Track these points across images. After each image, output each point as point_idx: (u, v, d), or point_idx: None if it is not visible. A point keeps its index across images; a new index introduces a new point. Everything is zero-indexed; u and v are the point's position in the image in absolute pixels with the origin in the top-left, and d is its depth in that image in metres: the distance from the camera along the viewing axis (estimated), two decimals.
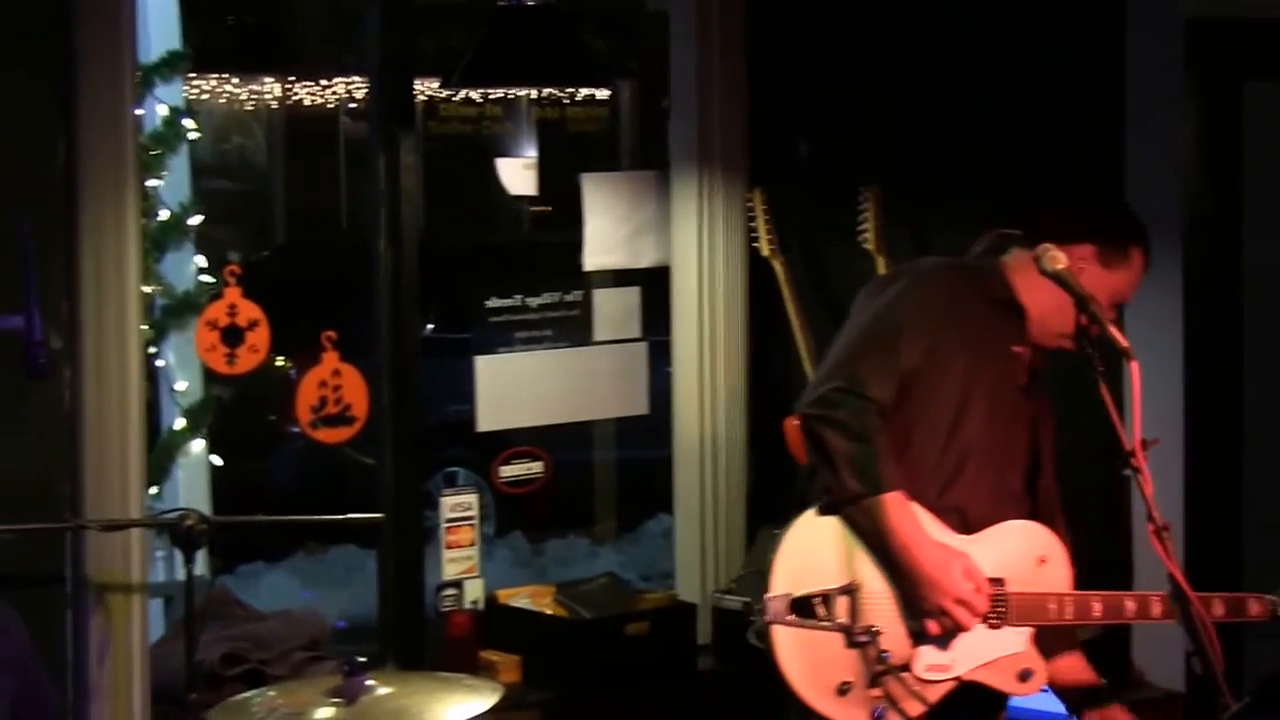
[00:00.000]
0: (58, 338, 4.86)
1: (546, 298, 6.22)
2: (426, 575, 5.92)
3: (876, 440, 4.23)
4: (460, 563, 5.89)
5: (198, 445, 7.35)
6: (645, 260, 6.34)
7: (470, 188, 9.77)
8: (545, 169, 6.37)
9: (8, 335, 4.03)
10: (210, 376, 7.00)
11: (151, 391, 6.18)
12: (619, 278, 6.39)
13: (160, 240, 6.63)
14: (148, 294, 6.24)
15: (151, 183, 6.48)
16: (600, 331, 6.26)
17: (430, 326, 7.79)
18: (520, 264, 8.82)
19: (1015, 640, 4.37)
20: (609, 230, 6.26)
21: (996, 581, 4.33)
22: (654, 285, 6.39)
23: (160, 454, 6.90)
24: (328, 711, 3.97)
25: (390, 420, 5.82)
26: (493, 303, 6.15)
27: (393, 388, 5.82)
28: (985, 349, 4.41)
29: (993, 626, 4.34)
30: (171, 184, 6.74)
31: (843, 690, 4.24)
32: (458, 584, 5.87)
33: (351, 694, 3.97)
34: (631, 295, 6.33)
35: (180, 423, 7.10)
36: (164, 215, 6.67)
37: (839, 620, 4.22)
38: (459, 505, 5.93)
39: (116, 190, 5.05)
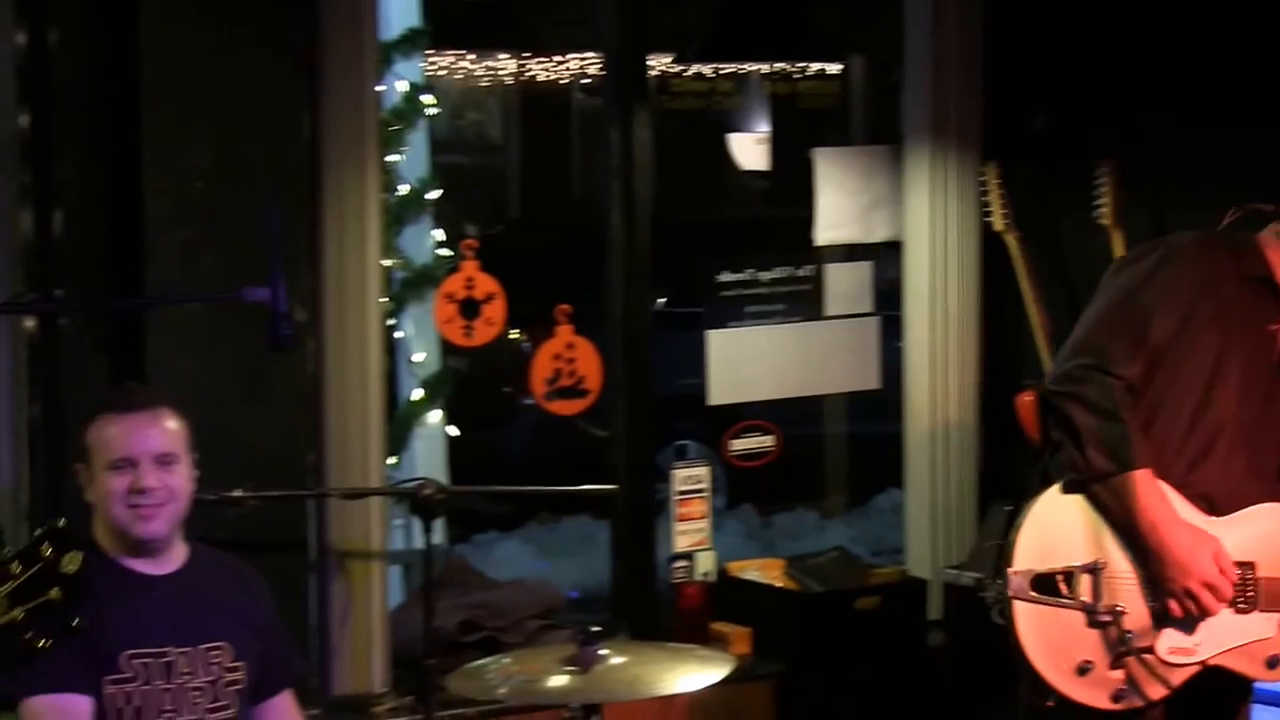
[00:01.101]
0: (301, 310, 4.96)
1: (778, 272, 6.19)
2: (658, 547, 5.94)
3: (1125, 417, 4.17)
4: (691, 535, 5.90)
5: (435, 416, 7.47)
6: (877, 235, 6.30)
7: (702, 162, 9.77)
8: (777, 144, 6.34)
9: (253, 308, 4.11)
10: (447, 349, 7.10)
11: (390, 363, 6.28)
12: (851, 252, 6.36)
13: (399, 214, 6.73)
14: (387, 267, 6.34)
15: (391, 158, 6.57)
16: (832, 306, 6.24)
17: (662, 300, 7.81)
18: (752, 238, 8.79)
19: (1264, 626, 4.28)
20: (841, 205, 6.23)
21: (1245, 565, 4.26)
22: (887, 260, 6.36)
23: (399, 424, 7.00)
24: (562, 679, 4.01)
25: (623, 393, 5.85)
26: (724, 277, 6.13)
27: (625, 361, 5.85)
28: (1238, 326, 4.31)
29: (1240, 611, 4.26)
30: (410, 159, 6.84)
31: (1083, 670, 4.19)
32: (689, 556, 5.88)
33: (586, 662, 4.01)
34: (864, 270, 6.30)
35: (418, 394, 7.21)
36: (403, 190, 6.77)
37: (1082, 598, 4.19)
38: (690, 478, 5.94)
39: (358, 165, 5.14)
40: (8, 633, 2.60)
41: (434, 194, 6.82)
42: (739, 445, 6.16)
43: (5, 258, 4.76)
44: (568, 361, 5.73)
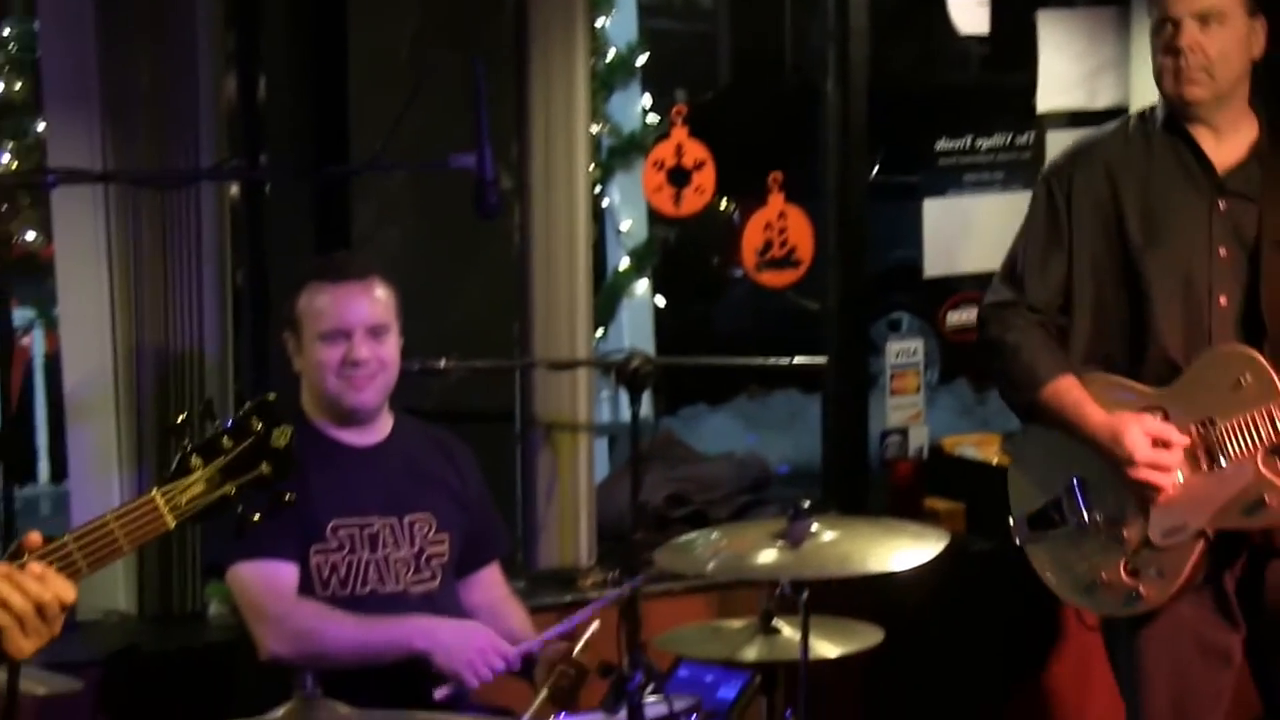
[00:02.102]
0: (508, 177, 4.90)
1: (997, 139, 6.05)
2: (870, 422, 5.85)
3: (1018, 339, 4.26)
4: (904, 410, 5.81)
5: (642, 286, 7.41)
6: (1102, 101, 6.09)
7: (918, 27, 9.57)
8: (998, 6, 6.14)
9: (460, 175, 4.05)
10: (655, 218, 7.03)
11: (598, 232, 6.22)
12: (1073, 119, 6.16)
13: (607, 80, 6.65)
14: (595, 134, 6.26)
15: (599, 22, 6.48)
16: None
17: (876, 169, 7.67)
18: (971, 105, 8.60)
19: (1241, 474, 4.13)
20: (1064, 70, 6.04)
21: (1204, 422, 4.14)
22: None
23: (606, 295, 6.96)
24: (772, 554, 3.94)
25: (836, 264, 5.74)
26: (942, 145, 6.01)
27: (839, 231, 5.74)
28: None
29: (1214, 469, 4.13)
30: (619, 23, 6.74)
31: (1099, 584, 4.21)
32: (902, 431, 5.80)
33: (796, 538, 3.93)
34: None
35: (625, 264, 7.16)
36: (611, 55, 6.67)
37: (1072, 518, 4.24)
38: (904, 351, 5.85)
39: (566, 29, 5.06)
40: (220, 507, 2.60)
41: (642, 59, 6.72)
42: (955, 318, 6.04)
43: (210, 124, 4.74)
44: (779, 231, 5.63)
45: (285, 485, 2.66)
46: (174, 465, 2.61)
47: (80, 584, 2.55)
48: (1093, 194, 4.28)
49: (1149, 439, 4.13)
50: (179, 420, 2.64)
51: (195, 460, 2.61)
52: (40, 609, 2.50)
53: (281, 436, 2.65)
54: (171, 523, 2.59)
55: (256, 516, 2.66)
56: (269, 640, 4.02)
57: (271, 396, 2.67)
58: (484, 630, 4.08)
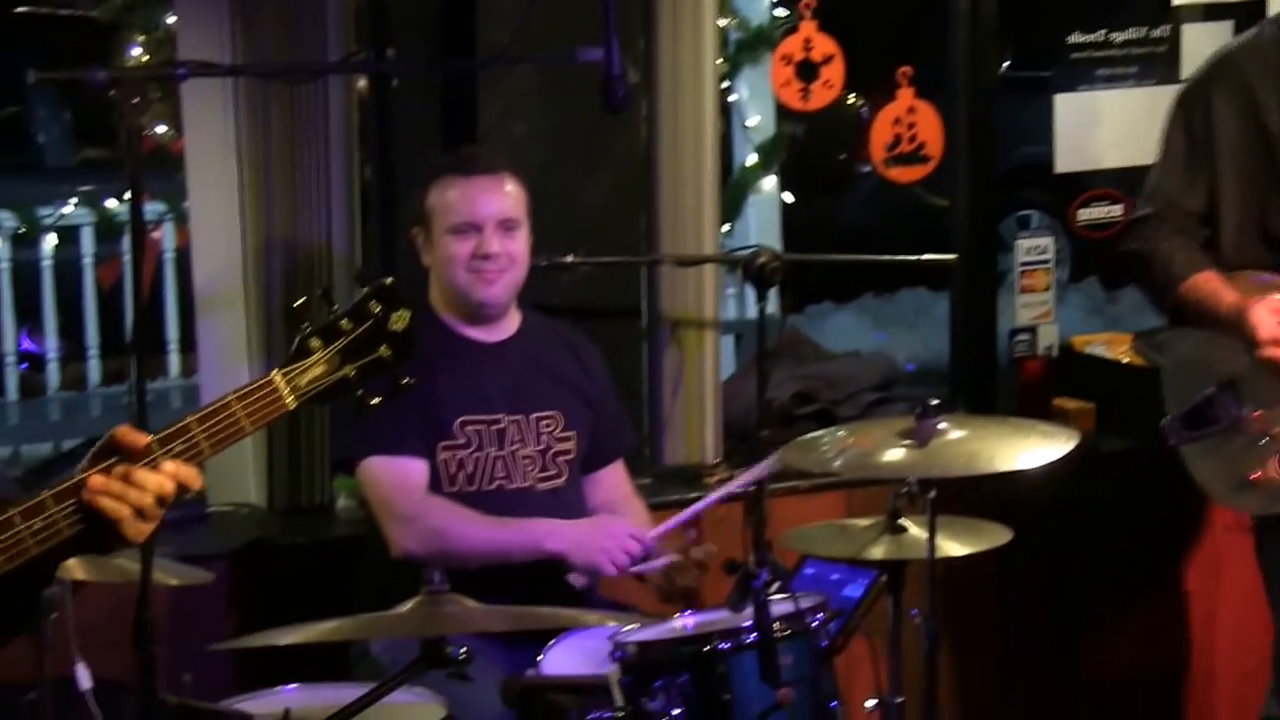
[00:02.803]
0: (635, 71, 4.86)
1: (1132, 33, 5.93)
2: (999, 320, 5.80)
3: (1157, 248, 4.28)
4: (1034, 308, 5.74)
5: (769, 182, 7.38)
6: None
7: None
8: None
9: (587, 69, 4.03)
10: (783, 112, 6.98)
11: (724, 127, 6.17)
12: (1209, 12, 6.03)
13: None
14: (722, 27, 6.20)
15: None
16: (1188, 68, 5.94)
17: (1007, 63, 7.57)
18: None
19: None
20: None
21: None
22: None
23: (733, 191, 6.94)
24: (899, 453, 3.93)
25: (965, 160, 5.67)
26: (1074, 38, 5.89)
27: (968, 126, 5.66)
28: None
29: None
30: None
31: (1249, 482, 4.16)
32: (1031, 329, 5.73)
33: (923, 436, 3.91)
34: (1224, 30, 5.97)
35: (752, 159, 7.13)
36: None
37: (1226, 418, 4.21)
38: (1035, 248, 5.77)
39: None
40: (340, 390, 2.59)
41: None
42: (1086, 215, 5.95)
43: (338, 17, 4.73)
44: (908, 127, 5.57)
45: (405, 370, 2.64)
46: (294, 347, 2.60)
47: (204, 467, 2.56)
48: (1231, 108, 4.23)
49: (1277, 317, 4.08)
50: (299, 304, 2.63)
51: (315, 342, 2.60)
52: (160, 499, 2.52)
53: (400, 320, 2.63)
54: (292, 403, 2.58)
55: (375, 400, 2.65)
56: (400, 538, 4.04)
57: (390, 280, 2.66)
58: (616, 521, 4.10)
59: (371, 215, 4.97)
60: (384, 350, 2.63)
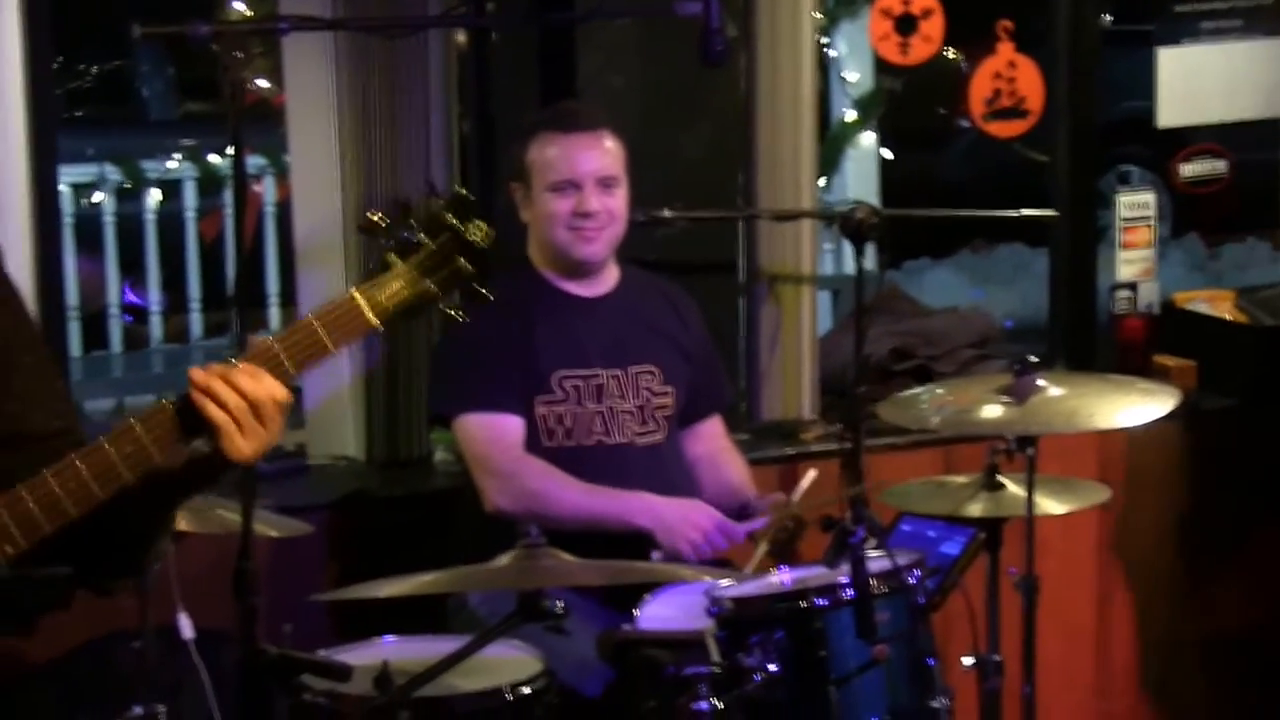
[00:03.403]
0: (733, 25, 4.84)
1: None
2: (1099, 276, 5.75)
3: None
4: (1135, 264, 5.68)
5: (868, 137, 7.33)
6: None
7: None
8: None
9: (685, 23, 4.02)
10: (881, 67, 6.93)
11: (823, 81, 6.13)
12: None
13: None
14: None
15: None
16: None
17: (1109, 17, 7.48)
18: None
19: None
20: None
21: None
22: None
23: (830, 145, 6.90)
24: (997, 409, 3.92)
25: (1066, 114, 5.62)
26: None
27: (1069, 80, 5.60)
28: None
29: None
30: None
31: None
32: (1132, 286, 5.68)
33: (1022, 393, 3.90)
34: None
35: (850, 114, 7.09)
36: None
37: None
38: (1136, 204, 5.71)
39: None
40: (422, 304, 2.57)
41: None
42: (1188, 170, 5.90)
43: None
44: (1008, 81, 5.52)
45: (484, 284, 2.61)
46: (371, 264, 2.58)
47: (290, 382, 2.56)
48: None
49: None
50: (372, 218, 2.61)
51: (392, 258, 2.57)
52: (255, 408, 2.53)
53: (477, 230, 2.59)
54: (374, 320, 2.55)
55: (458, 313, 2.62)
56: (494, 495, 4.05)
57: (463, 191, 2.63)
58: (707, 510, 4.06)
59: (470, 169, 4.98)
60: (463, 262, 2.60)
